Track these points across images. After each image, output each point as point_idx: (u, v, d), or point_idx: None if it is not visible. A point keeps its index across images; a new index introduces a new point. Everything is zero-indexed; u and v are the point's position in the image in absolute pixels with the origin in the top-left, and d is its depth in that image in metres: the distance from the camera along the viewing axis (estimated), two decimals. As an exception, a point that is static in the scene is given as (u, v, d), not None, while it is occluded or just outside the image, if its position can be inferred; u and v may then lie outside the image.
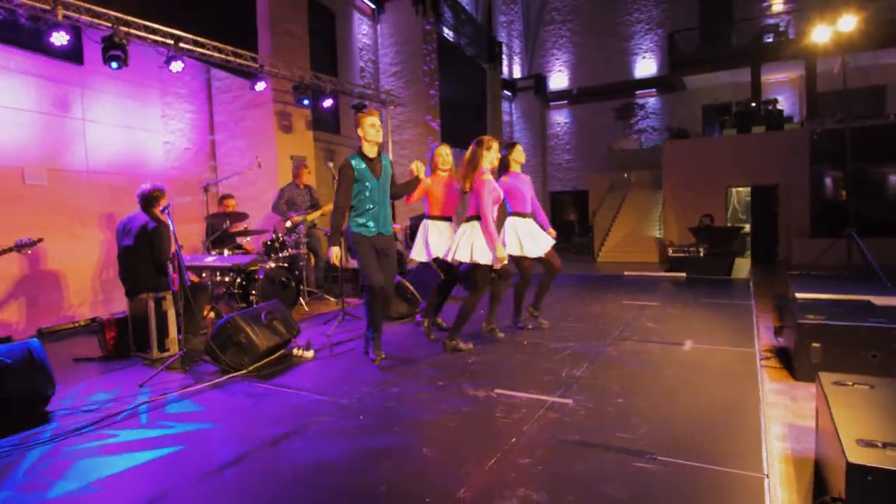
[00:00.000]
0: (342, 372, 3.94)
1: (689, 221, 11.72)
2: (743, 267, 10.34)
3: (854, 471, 1.96)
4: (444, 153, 4.76)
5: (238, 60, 6.40)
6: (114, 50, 4.96)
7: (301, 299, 6.20)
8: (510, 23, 18.96)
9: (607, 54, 18.72)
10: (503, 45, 17.64)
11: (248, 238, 6.24)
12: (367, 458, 2.59)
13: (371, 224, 4.00)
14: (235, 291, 5.75)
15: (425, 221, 4.76)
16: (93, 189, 6.61)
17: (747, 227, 12.46)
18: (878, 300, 5.37)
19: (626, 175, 15.57)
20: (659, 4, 18.01)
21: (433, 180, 4.70)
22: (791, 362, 4.09)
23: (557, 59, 19.55)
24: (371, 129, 3.94)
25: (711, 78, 16.21)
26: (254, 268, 5.51)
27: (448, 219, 4.75)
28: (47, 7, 4.69)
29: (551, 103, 19.68)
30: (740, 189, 13.40)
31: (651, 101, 18.49)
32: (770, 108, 13.22)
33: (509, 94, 18.95)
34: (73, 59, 6.33)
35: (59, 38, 4.81)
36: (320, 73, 7.87)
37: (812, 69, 14.10)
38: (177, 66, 5.83)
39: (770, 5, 16.44)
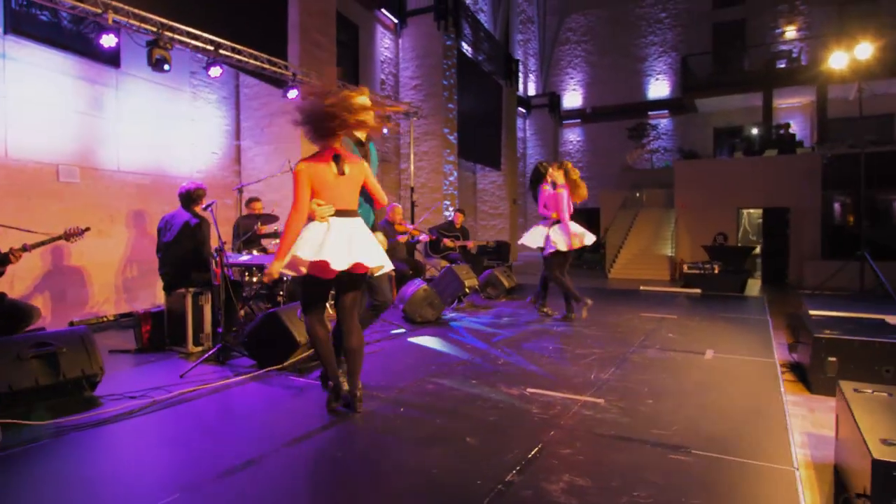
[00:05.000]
0: (377, 368, 4.05)
1: (701, 241, 11.82)
2: (753, 287, 10.41)
3: (878, 466, 2.09)
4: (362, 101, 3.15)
5: (273, 69, 6.60)
6: (159, 54, 5.15)
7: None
8: (526, 41, 19.29)
9: (621, 75, 19.00)
10: (519, 63, 17.93)
11: (276, 241, 6.38)
12: (414, 445, 2.70)
13: None
14: (262, 292, 5.87)
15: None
16: (122, 188, 6.77)
17: (758, 249, 12.56)
18: (891, 319, 5.50)
19: (637, 194, 15.72)
20: (673, 28, 18.32)
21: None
22: (806, 376, 4.21)
23: (572, 79, 19.84)
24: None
25: (723, 101, 16.40)
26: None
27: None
28: (98, 10, 4.89)
29: (564, 121, 19.93)
30: (751, 211, 13.53)
31: (663, 122, 18.72)
32: (783, 132, 13.39)
33: (524, 110, 19.20)
34: (110, 62, 6.53)
35: (108, 41, 5.00)
36: (348, 84, 8.06)
37: (823, 95, 14.29)
38: (215, 71, 6.02)
39: (783, 32, 16.72)
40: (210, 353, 4.04)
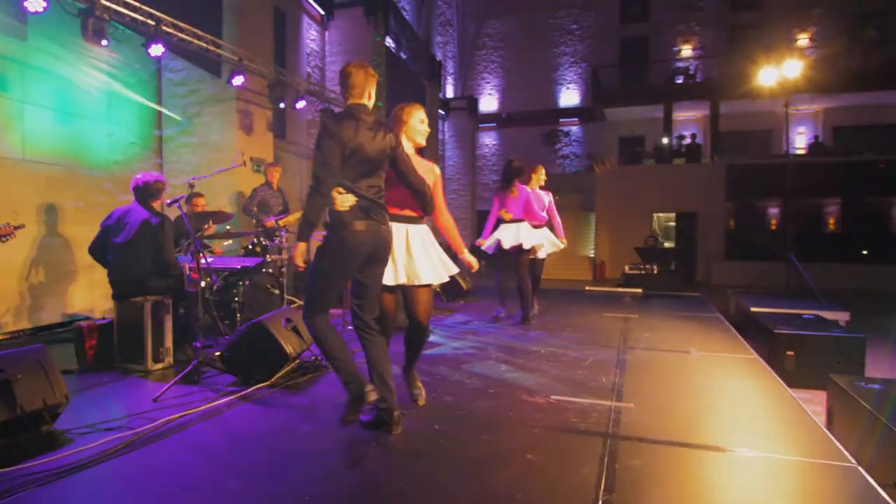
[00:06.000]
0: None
1: (620, 243, 12.44)
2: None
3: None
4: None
5: (218, 51, 5.95)
6: (97, 25, 4.42)
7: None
8: (445, 44, 19.29)
9: (535, 82, 19.55)
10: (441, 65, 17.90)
11: (228, 242, 5.76)
12: (476, 467, 2.45)
13: None
14: (211, 298, 5.25)
15: None
16: (28, 180, 5.81)
17: (671, 250, 13.47)
18: (826, 314, 6.05)
19: (556, 198, 16.23)
20: (584, 40, 19.16)
21: None
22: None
23: (488, 83, 20.13)
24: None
25: (629, 112, 17.40)
26: (245, 272, 5.09)
27: None
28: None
29: (481, 125, 20.17)
30: (660, 214, 14.46)
31: (574, 129, 19.51)
32: (689, 142, 14.44)
33: (443, 112, 19.19)
34: (14, 34, 5.56)
35: (35, 4, 4.20)
36: (281, 70, 7.52)
37: (716, 110, 15.62)
38: (156, 49, 5.31)
39: (680, 50, 18.08)
40: (187, 369, 3.48)
